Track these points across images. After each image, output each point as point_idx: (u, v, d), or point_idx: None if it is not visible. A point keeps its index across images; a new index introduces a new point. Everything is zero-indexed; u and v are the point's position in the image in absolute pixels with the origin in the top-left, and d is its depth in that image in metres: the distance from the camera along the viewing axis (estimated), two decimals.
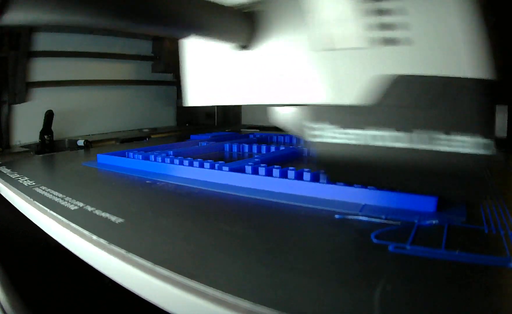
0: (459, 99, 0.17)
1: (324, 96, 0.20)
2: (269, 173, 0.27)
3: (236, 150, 0.44)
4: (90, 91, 0.69)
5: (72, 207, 0.23)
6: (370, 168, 0.20)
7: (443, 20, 0.16)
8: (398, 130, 0.18)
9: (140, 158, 0.36)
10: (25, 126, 0.59)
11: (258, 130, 0.71)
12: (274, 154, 0.36)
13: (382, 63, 0.18)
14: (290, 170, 0.26)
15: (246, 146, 0.43)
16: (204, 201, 0.24)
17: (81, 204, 0.24)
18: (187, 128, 0.81)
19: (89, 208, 0.23)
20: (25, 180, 0.32)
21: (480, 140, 0.17)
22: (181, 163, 0.33)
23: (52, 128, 0.56)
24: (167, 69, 0.78)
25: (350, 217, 0.20)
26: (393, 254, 0.16)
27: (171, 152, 0.38)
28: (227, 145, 0.45)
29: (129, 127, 0.75)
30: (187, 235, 0.18)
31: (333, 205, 0.22)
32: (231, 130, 0.71)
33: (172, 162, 0.33)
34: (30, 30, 0.58)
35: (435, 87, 0.17)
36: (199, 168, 0.30)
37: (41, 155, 0.50)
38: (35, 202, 0.25)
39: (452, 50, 0.16)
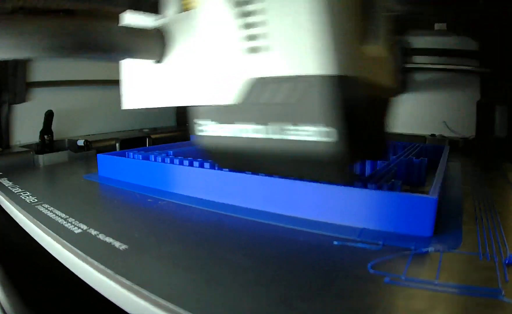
0: (306, 94, 0.19)
1: (208, 97, 0.24)
2: None
3: None
4: (90, 91, 0.69)
5: (76, 230, 0.23)
6: (245, 157, 0.23)
7: (294, 28, 0.18)
8: (257, 123, 0.22)
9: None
10: (25, 126, 0.59)
11: None
12: None
13: (250, 69, 0.21)
14: None
15: None
16: (204, 225, 0.24)
17: (84, 227, 0.24)
18: (187, 128, 0.81)
19: (93, 232, 0.23)
20: (27, 195, 0.32)
21: (323, 128, 0.19)
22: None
23: (52, 128, 0.55)
24: None
25: (348, 244, 0.20)
26: (388, 286, 0.16)
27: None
28: None
29: (129, 127, 0.75)
30: (190, 265, 0.19)
31: (332, 229, 0.22)
32: None
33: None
34: None
35: (286, 85, 0.19)
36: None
37: (41, 161, 0.50)
38: (39, 223, 0.25)
39: (301, 53, 0.18)
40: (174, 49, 0.26)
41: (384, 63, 0.23)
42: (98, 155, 0.40)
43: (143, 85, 0.30)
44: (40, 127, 0.55)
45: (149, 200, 0.30)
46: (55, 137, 0.56)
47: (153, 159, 0.35)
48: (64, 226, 0.24)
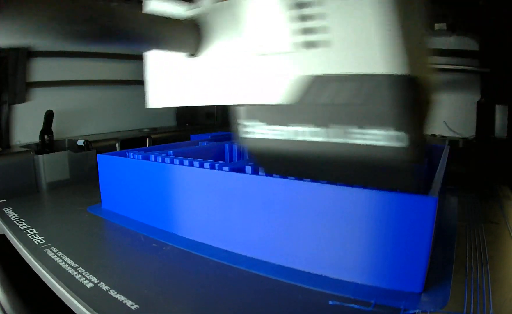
0: (372, 94, 0.18)
1: (256, 96, 0.22)
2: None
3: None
4: (90, 91, 0.69)
5: (88, 284, 0.23)
6: (299, 162, 0.22)
7: (359, 22, 0.17)
8: (316, 125, 0.20)
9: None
10: (25, 126, 0.58)
11: None
12: None
13: (305, 65, 0.19)
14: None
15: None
16: (208, 279, 0.25)
17: (95, 280, 0.24)
18: (187, 128, 0.81)
19: (104, 287, 0.23)
20: (34, 234, 0.32)
21: (393, 132, 0.18)
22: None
23: (52, 128, 0.55)
24: None
25: (342, 303, 0.21)
26: None
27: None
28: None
29: (129, 127, 0.75)
30: None
31: (329, 285, 0.23)
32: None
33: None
34: None
35: (350, 84, 0.18)
36: (201, 232, 0.30)
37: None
38: (52, 273, 0.25)
39: (367, 49, 0.17)
40: (212, 42, 0.24)
41: (427, 60, 0.22)
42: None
43: (174, 82, 0.27)
44: (40, 127, 0.55)
45: (154, 244, 0.30)
46: (55, 137, 0.56)
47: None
48: (75, 277, 0.24)
